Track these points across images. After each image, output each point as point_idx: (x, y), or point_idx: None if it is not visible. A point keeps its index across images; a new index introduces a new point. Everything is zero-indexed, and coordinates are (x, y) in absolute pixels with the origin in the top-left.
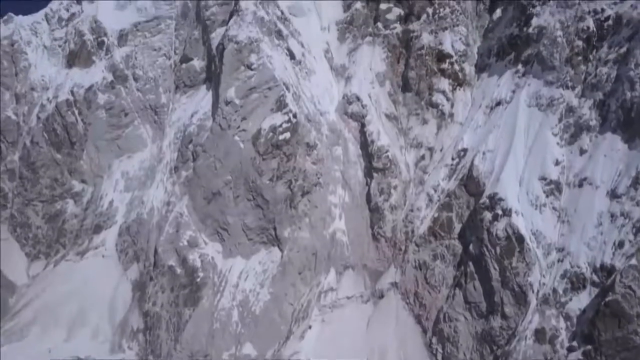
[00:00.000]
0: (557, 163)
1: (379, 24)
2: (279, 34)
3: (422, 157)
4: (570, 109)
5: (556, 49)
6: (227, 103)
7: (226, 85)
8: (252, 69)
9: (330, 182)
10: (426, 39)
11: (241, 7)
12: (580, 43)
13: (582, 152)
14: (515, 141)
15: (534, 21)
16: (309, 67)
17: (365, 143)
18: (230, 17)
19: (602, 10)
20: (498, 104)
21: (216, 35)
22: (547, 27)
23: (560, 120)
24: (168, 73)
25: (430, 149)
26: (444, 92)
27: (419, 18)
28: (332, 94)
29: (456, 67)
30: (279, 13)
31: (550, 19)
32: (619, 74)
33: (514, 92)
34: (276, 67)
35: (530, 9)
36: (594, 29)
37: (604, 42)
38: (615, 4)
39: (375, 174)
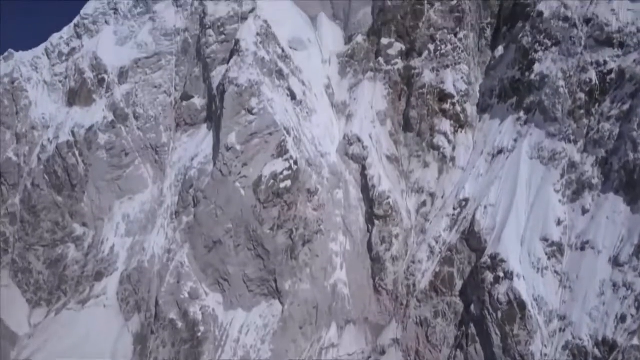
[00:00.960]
0: (559, 223)
1: (381, 59)
2: (280, 74)
3: (424, 204)
4: (572, 165)
5: (558, 100)
6: (228, 149)
7: (227, 130)
8: (253, 114)
9: (331, 228)
10: (428, 77)
11: (241, 47)
12: (582, 96)
13: (584, 211)
14: (517, 196)
15: (536, 67)
16: (310, 106)
17: (366, 186)
18: (231, 56)
19: (605, 62)
20: (500, 152)
21: (217, 74)
22: (549, 75)
23: (562, 175)
24: (169, 111)
25: (432, 195)
26: (445, 134)
27: (420, 54)
28: (333, 133)
29: (458, 108)
30: (280, 51)
31: (552, 66)
32: (622, 132)
33: (515, 140)
34: (277, 111)
35: (533, 54)
36: (597, 82)
37: (607, 96)
38: (618, 56)
39: (376, 221)
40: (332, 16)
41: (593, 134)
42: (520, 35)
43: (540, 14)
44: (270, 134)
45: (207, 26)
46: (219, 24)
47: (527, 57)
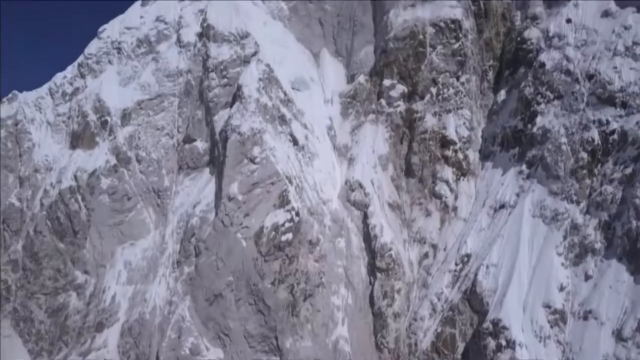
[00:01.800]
0: (561, 288)
1: (382, 101)
2: (282, 119)
3: (426, 255)
4: (575, 226)
5: (560, 157)
6: (230, 199)
7: (229, 180)
8: (255, 163)
9: (333, 280)
10: (430, 121)
11: (244, 93)
12: (585, 155)
13: (587, 277)
14: (519, 257)
15: (539, 120)
16: (312, 150)
17: (368, 235)
18: (234, 101)
19: (607, 122)
20: (502, 206)
21: (219, 118)
22: (551, 130)
23: (564, 237)
24: (171, 153)
25: (434, 246)
26: (447, 182)
27: (422, 98)
28: (335, 177)
29: (460, 155)
30: (282, 95)
31: (554, 121)
32: (625, 196)
33: (518, 195)
34: (279, 159)
35: (535, 106)
36: (599, 142)
37: (609, 157)
38: (620, 116)
39: (378, 274)
40: (334, 52)
41: (595, 196)
42: (523, 85)
43: (542, 64)
44: (272, 183)
45: (210, 69)
46: (222, 67)
47: (529, 108)
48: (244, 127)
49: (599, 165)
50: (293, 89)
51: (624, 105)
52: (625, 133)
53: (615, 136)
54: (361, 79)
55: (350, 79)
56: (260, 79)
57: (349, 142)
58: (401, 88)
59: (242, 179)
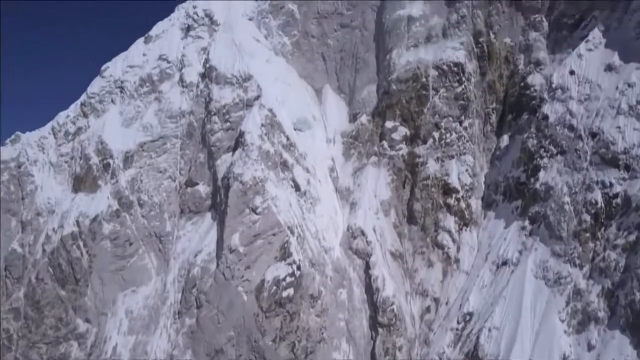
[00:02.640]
0: (564, 358)
1: (384, 143)
2: (284, 165)
3: (428, 309)
4: (578, 292)
5: (563, 218)
6: (232, 251)
7: (230, 231)
8: (256, 213)
9: (334, 335)
10: (432, 167)
11: (246, 140)
12: (588, 218)
13: (590, 347)
14: (522, 321)
15: (541, 175)
16: (314, 195)
17: (370, 286)
18: (236, 146)
19: (611, 184)
20: (504, 263)
21: (221, 162)
22: (554, 187)
23: (567, 303)
24: (173, 196)
25: (436, 300)
26: (449, 232)
27: (425, 142)
28: (337, 223)
29: (462, 204)
30: (285, 140)
31: (557, 178)
32: (628, 264)
33: (520, 253)
34: (281, 209)
35: (538, 159)
36: (602, 205)
37: (613, 221)
38: (624, 179)
39: (380, 329)
40: (337, 89)
41: (599, 261)
42: (526, 136)
43: (546, 117)
44: (274, 234)
45: (213, 112)
46: (224, 110)
47: (532, 161)
48: (246, 175)
49: (602, 229)
50: (295, 129)
51: (627, 167)
52: (629, 198)
53: (619, 200)
54: (363, 119)
55: (353, 118)
56: (262, 125)
57: (351, 185)
58: (403, 130)
59: (244, 229)
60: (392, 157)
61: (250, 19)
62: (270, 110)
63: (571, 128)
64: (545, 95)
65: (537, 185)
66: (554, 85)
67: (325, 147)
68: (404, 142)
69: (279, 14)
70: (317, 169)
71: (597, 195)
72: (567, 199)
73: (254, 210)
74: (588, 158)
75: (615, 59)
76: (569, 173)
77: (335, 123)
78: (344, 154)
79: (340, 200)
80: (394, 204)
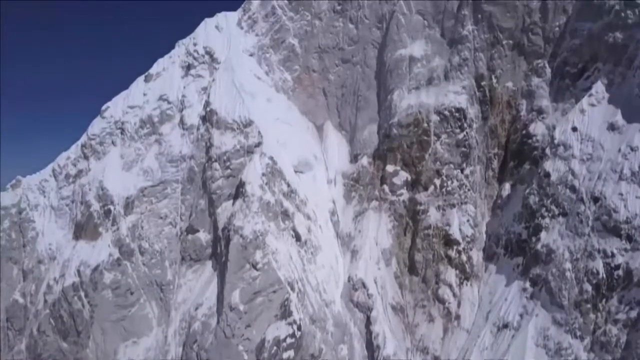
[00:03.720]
0: None
1: (386, 187)
2: (285, 214)
3: None
4: None
5: (565, 285)
6: (232, 309)
7: (231, 287)
8: (257, 269)
9: None
10: (433, 216)
11: (247, 191)
12: (589, 288)
13: None
14: None
15: (543, 237)
16: (315, 243)
17: (370, 342)
18: (237, 195)
19: (613, 254)
20: (505, 326)
21: (222, 211)
22: (556, 252)
23: None
24: (174, 243)
25: (437, 358)
26: (450, 287)
27: (426, 189)
28: (338, 272)
29: (463, 256)
30: (286, 187)
31: (559, 241)
32: (629, 341)
33: (521, 317)
34: (281, 264)
35: (539, 218)
36: (604, 276)
37: (614, 293)
38: (626, 250)
39: None
40: (338, 125)
41: (600, 334)
42: (527, 192)
43: (547, 174)
44: (274, 291)
45: (213, 159)
46: (225, 157)
47: (533, 219)
48: (246, 229)
49: (604, 301)
50: (296, 171)
51: (629, 238)
52: (631, 272)
53: (620, 272)
54: (364, 161)
55: (354, 158)
56: (263, 174)
57: (352, 231)
58: (404, 175)
59: (244, 286)
60: (393, 203)
61: (251, 55)
62: (271, 158)
63: (573, 189)
64: (548, 151)
65: (539, 247)
66: (556, 141)
67: (327, 189)
68: (405, 187)
69: (280, 48)
70: (318, 213)
71: (599, 265)
72: (568, 265)
73: (254, 265)
74: (590, 223)
75: (618, 117)
76: (570, 237)
77: (336, 162)
78: (344, 196)
79: (341, 246)
80: (395, 252)
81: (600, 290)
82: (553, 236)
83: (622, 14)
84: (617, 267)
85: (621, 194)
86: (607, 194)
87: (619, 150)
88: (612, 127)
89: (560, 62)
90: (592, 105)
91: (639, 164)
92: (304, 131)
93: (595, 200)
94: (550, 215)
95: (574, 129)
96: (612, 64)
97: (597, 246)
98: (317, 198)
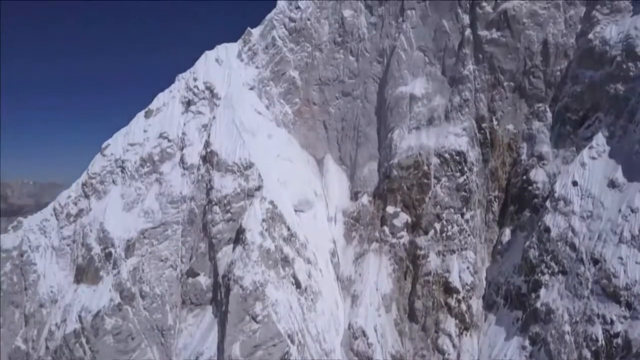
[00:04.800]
0: None
1: (386, 229)
2: (285, 260)
3: None
4: None
5: (564, 349)
6: None
7: (231, 339)
8: (257, 322)
9: None
10: (434, 262)
11: (247, 239)
12: (588, 355)
13: None
14: None
15: (542, 294)
16: (315, 289)
17: None
18: (237, 239)
19: (612, 321)
20: None
21: (222, 255)
22: (555, 312)
23: None
24: (175, 287)
25: None
26: (450, 337)
27: (426, 232)
28: (338, 319)
29: (463, 305)
30: (286, 232)
31: (558, 301)
32: None
33: None
34: (281, 316)
35: (539, 275)
36: (603, 343)
37: None
38: (625, 318)
39: None
40: (338, 159)
41: None
42: (527, 245)
43: (547, 229)
44: (274, 345)
45: (214, 202)
46: (225, 201)
47: (533, 273)
48: (246, 279)
49: None
50: (296, 211)
51: (628, 306)
52: (630, 342)
53: (619, 340)
54: (364, 199)
55: (354, 196)
56: (263, 220)
57: (352, 274)
58: (405, 217)
59: (244, 339)
60: (393, 245)
61: (252, 88)
62: (272, 202)
63: (573, 247)
64: (548, 204)
65: (538, 304)
66: (556, 195)
67: (327, 228)
68: (406, 229)
69: (281, 81)
70: (318, 256)
71: (598, 331)
72: (567, 327)
73: (254, 318)
74: (589, 286)
75: (619, 174)
76: (570, 298)
77: (336, 199)
78: (345, 236)
79: (341, 290)
80: (395, 298)
81: (599, 358)
82: (552, 295)
83: (624, 66)
84: (616, 335)
85: (621, 258)
86: (606, 256)
87: (619, 210)
88: (612, 184)
89: (561, 107)
90: (593, 158)
91: (639, 227)
92: (305, 166)
93: (595, 262)
94: (549, 272)
95: (574, 183)
96: (613, 115)
97: (596, 311)
98: (317, 238)
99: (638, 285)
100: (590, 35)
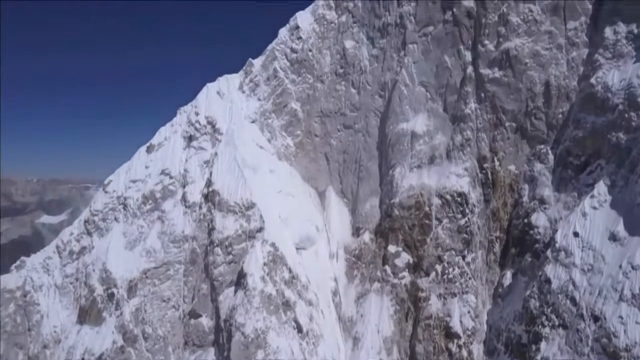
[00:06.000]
0: None
1: (387, 269)
2: (287, 305)
3: None
4: None
5: None
6: None
7: None
8: None
9: None
10: (434, 305)
11: (248, 284)
12: None
13: None
14: None
15: (543, 347)
16: (317, 332)
17: None
18: (238, 281)
19: None
20: None
21: (224, 298)
22: None
23: None
24: (177, 327)
25: None
26: None
27: (427, 274)
28: None
29: (464, 352)
30: (287, 275)
31: (559, 356)
32: None
33: None
34: None
35: (539, 327)
36: None
37: None
38: None
39: None
40: (340, 192)
41: None
42: (528, 294)
43: (548, 280)
44: None
45: (215, 244)
46: (227, 243)
47: (533, 324)
48: (248, 327)
49: None
50: (298, 249)
51: None
52: None
53: None
54: (366, 237)
55: (356, 232)
56: (264, 264)
57: (354, 315)
58: (406, 257)
59: None
60: (395, 286)
61: (253, 121)
62: (273, 244)
63: (573, 301)
64: (549, 254)
65: (539, 358)
66: (557, 245)
67: (329, 265)
68: (407, 270)
69: (282, 113)
70: (319, 296)
71: None
72: None
73: None
74: (589, 343)
75: (620, 228)
76: (570, 354)
77: (338, 234)
78: (346, 274)
79: (343, 331)
80: (396, 340)
81: None
82: (553, 349)
83: (626, 115)
84: None
85: (621, 317)
86: (607, 314)
87: (620, 266)
88: (613, 237)
89: (563, 150)
90: (594, 208)
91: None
92: (306, 200)
93: (596, 319)
94: (550, 324)
95: (576, 234)
96: (615, 164)
97: None
98: (318, 277)
99: (638, 346)
100: (593, 80)
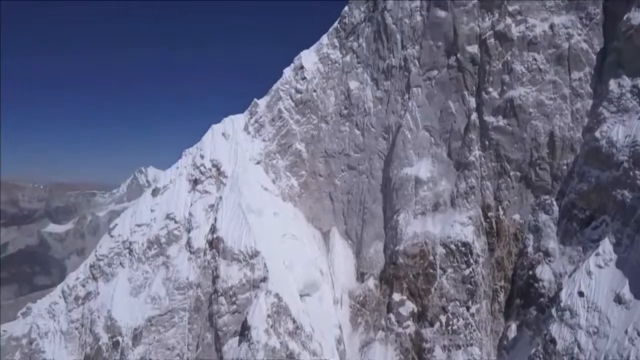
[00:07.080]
0: None
1: (392, 317)
2: (291, 357)
3: None
4: None
5: None
6: None
7: None
8: None
9: None
10: (439, 357)
11: (252, 337)
12: None
13: None
14: None
15: None
16: None
17: None
18: (242, 332)
19: None
20: None
21: (228, 349)
22: None
23: None
24: None
25: None
26: None
27: (432, 324)
28: None
29: None
30: (291, 326)
31: None
32: None
33: None
34: None
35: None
36: None
37: None
38: None
39: None
40: (344, 233)
41: None
42: (533, 352)
43: (553, 340)
44: None
45: (219, 293)
46: (231, 292)
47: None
48: None
49: None
50: (302, 295)
51: None
52: None
53: None
54: (370, 283)
55: (360, 277)
56: (268, 316)
57: None
58: (411, 306)
59: None
60: (399, 335)
61: (258, 163)
62: (277, 295)
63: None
64: (554, 312)
65: None
66: (562, 304)
67: (333, 312)
68: (412, 319)
69: (287, 154)
70: (324, 345)
71: None
72: None
73: None
74: None
75: (626, 290)
76: None
77: (342, 277)
78: (351, 321)
79: None
80: None
81: None
82: None
83: (631, 173)
84: None
85: None
86: (611, 352)
87: (626, 332)
88: (619, 300)
89: (568, 202)
90: (599, 266)
91: None
92: (310, 242)
93: None
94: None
95: (581, 294)
96: (620, 222)
97: None
98: (323, 324)
99: None
100: (597, 134)
